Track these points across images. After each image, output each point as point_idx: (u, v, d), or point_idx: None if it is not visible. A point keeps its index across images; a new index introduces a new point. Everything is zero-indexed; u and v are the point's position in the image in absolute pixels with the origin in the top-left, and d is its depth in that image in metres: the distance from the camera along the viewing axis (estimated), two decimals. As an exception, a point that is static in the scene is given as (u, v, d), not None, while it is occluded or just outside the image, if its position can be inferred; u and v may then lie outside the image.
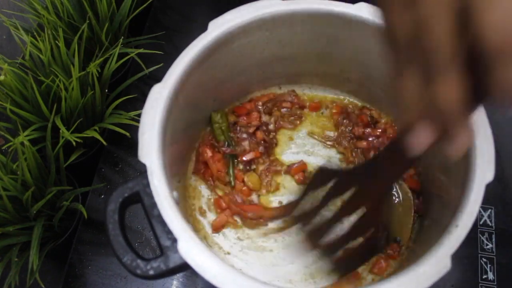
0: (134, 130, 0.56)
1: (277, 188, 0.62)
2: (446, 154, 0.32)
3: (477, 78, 0.28)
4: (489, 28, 0.26)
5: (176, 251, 0.43)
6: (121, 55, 0.68)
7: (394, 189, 0.59)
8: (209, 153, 0.62)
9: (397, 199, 0.59)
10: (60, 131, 0.60)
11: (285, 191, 0.62)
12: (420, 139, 0.32)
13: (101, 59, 0.65)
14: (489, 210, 0.65)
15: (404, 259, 0.57)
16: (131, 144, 0.70)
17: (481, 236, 0.63)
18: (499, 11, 0.25)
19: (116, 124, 0.65)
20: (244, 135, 0.62)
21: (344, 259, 0.51)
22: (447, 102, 0.29)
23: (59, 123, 0.60)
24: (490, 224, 0.63)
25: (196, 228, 0.59)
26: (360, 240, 0.50)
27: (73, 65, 0.61)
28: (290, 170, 0.62)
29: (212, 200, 0.61)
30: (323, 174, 0.50)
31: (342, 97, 0.67)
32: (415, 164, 0.42)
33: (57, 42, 0.62)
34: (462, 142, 0.31)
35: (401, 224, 0.58)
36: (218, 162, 0.61)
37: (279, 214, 0.59)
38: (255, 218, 0.59)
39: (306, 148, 0.64)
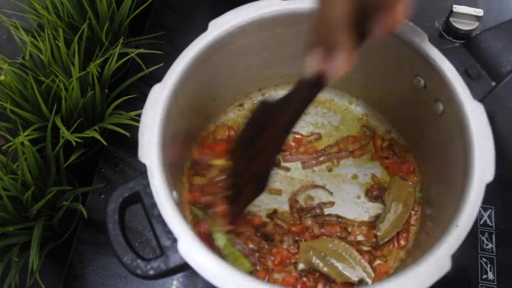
0: (134, 130, 0.56)
1: None
2: (328, 73, 0.40)
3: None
4: None
5: (176, 251, 0.43)
6: (121, 55, 0.67)
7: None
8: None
9: None
10: (60, 131, 0.60)
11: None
12: (313, 58, 0.39)
13: (101, 59, 0.65)
14: (489, 210, 0.65)
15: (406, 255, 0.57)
16: (131, 144, 0.70)
17: (481, 236, 0.63)
18: None
19: (116, 124, 0.65)
20: None
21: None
22: (333, 11, 0.36)
23: (59, 123, 0.60)
24: (490, 224, 0.63)
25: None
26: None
27: (73, 65, 0.61)
28: None
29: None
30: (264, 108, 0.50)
31: (341, 100, 0.68)
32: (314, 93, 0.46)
33: (57, 42, 0.62)
34: (341, 62, 0.38)
35: None
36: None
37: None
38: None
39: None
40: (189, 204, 0.58)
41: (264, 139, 0.49)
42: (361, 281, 0.55)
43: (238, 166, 0.52)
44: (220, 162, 0.60)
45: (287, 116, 0.47)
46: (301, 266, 0.56)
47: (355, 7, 0.36)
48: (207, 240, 0.55)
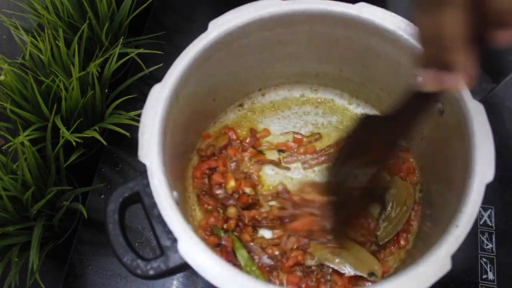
0: (134, 130, 0.56)
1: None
2: (447, 86, 0.37)
3: (478, 14, 0.34)
4: None
5: (176, 251, 0.43)
6: (121, 55, 0.68)
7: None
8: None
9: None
10: (60, 131, 0.60)
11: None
12: (430, 75, 0.38)
13: (101, 59, 0.65)
14: (489, 210, 0.65)
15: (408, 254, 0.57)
16: (131, 144, 0.70)
17: (481, 236, 0.63)
18: None
19: (116, 124, 0.65)
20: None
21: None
22: (449, 29, 0.34)
23: (59, 123, 0.60)
24: (490, 224, 0.64)
25: (196, 228, 0.59)
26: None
27: (73, 65, 0.61)
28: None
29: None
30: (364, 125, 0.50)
31: (341, 100, 0.68)
32: (428, 107, 0.46)
33: (57, 42, 0.62)
34: (459, 79, 0.36)
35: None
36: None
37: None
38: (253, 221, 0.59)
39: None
40: (203, 229, 0.59)
41: (370, 153, 0.50)
42: (371, 274, 0.55)
43: (340, 182, 0.54)
44: (232, 183, 0.60)
45: (400, 129, 0.48)
46: (310, 262, 0.56)
47: (469, 25, 0.35)
48: (230, 256, 0.55)
